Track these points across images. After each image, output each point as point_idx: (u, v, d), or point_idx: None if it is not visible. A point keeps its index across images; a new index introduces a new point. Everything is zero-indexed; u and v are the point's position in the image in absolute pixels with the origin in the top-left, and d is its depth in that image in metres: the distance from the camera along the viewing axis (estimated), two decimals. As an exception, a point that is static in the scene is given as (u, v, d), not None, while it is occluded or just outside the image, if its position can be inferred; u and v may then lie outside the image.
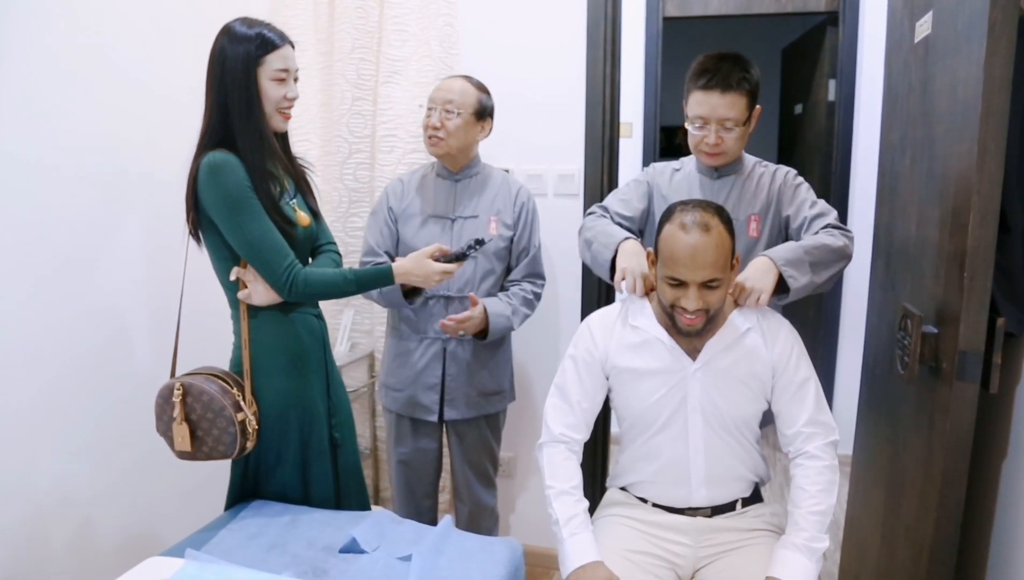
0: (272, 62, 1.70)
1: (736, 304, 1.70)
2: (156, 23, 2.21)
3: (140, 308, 2.21)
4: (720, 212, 1.58)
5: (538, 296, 2.25)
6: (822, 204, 1.95)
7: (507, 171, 2.44)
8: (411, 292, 2.14)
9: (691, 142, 1.95)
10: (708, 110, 1.87)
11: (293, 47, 1.76)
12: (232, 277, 1.74)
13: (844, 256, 1.84)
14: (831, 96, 3.69)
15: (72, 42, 1.94)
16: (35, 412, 1.89)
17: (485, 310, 2.11)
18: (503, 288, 2.24)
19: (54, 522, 1.95)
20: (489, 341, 2.16)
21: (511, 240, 2.21)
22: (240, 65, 1.67)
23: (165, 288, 2.22)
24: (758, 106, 1.93)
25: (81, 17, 1.96)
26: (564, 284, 2.57)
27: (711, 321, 1.59)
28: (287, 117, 1.78)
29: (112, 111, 2.07)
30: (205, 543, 1.63)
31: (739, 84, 1.85)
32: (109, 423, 2.10)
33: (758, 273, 1.72)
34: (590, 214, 2.08)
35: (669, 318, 1.61)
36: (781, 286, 1.75)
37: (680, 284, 1.54)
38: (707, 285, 1.53)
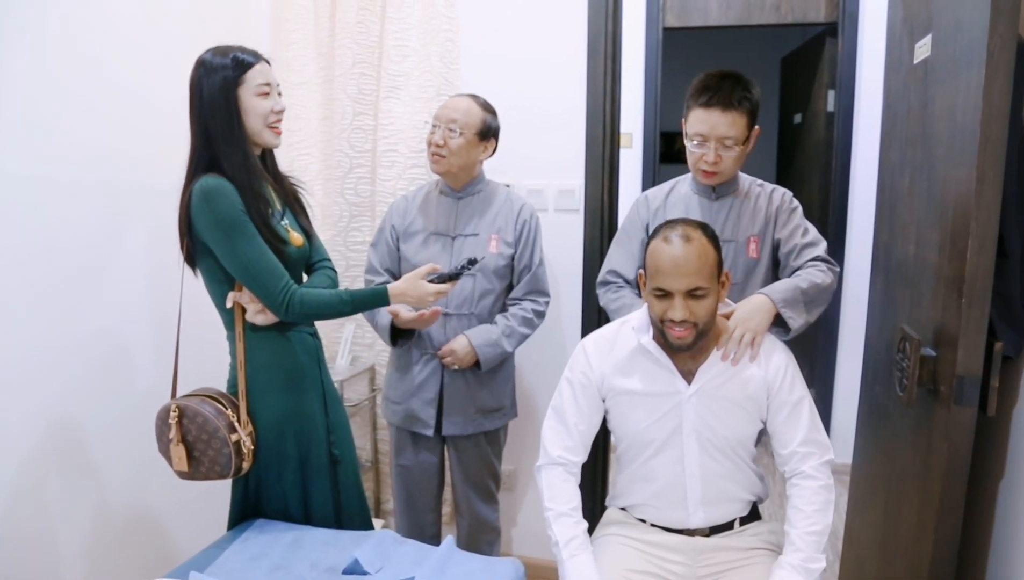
0: (253, 78, 1.72)
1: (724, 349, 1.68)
2: (156, 39, 2.22)
3: (143, 320, 2.22)
4: (704, 228, 1.61)
5: (540, 314, 2.25)
6: (813, 233, 1.98)
7: (507, 186, 2.45)
8: (403, 334, 2.18)
9: (690, 160, 1.97)
10: (708, 128, 1.88)
11: (269, 64, 1.78)
12: (228, 303, 1.75)
13: (831, 293, 1.90)
14: (830, 106, 3.70)
15: (69, 58, 1.95)
16: (39, 423, 1.90)
17: (471, 343, 2.13)
18: (504, 305, 2.25)
19: (58, 532, 1.96)
20: (486, 370, 2.19)
21: (512, 258, 2.21)
22: (217, 91, 1.69)
23: (168, 300, 2.21)
24: (757, 127, 1.94)
25: (78, 33, 1.97)
26: (562, 300, 2.57)
27: (701, 336, 1.59)
28: (278, 132, 1.79)
29: (112, 125, 2.08)
30: (208, 564, 1.64)
31: (740, 103, 1.87)
32: (113, 434, 2.11)
33: (754, 313, 1.71)
34: (606, 286, 2.09)
35: (661, 334, 1.62)
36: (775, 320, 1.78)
37: (666, 295, 1.56)
38: (692, 295, 1.55)
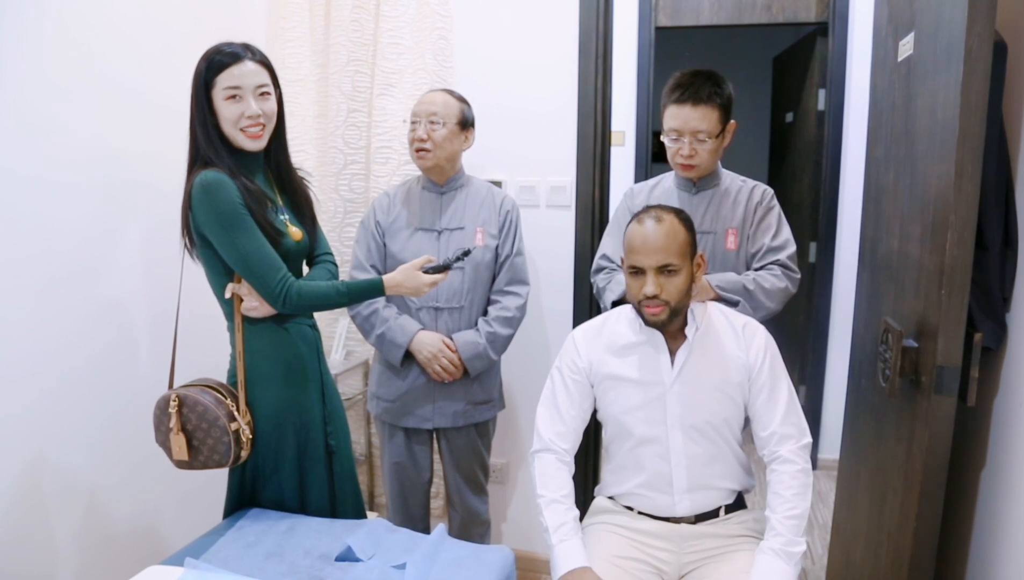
0: (222, 81, 1.71)
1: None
2: (152, 36, 2.24)
3: (141, 316, 2.23)
4: (677, 212, 1.70)
5: (521, 307, 2.26)
6: (784, 236, 2.03)
7: (499, 184, 2.48)
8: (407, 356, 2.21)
9: (668, 154, 2.04)
10: (681, 123, 1.96)
11: (256, 64, 1.74)
12: (227, 294, 1.78)
13: (784, 297, 1.99)
14: (821, 105, 3.73)
15: (67, 57, 1.96)
16: (37, 418, 1.92)
17: (461, 359, 2.18)
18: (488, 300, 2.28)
19: (55, 525, 1.98)
20: (473, 375, 2.23)
21: (496, 249, 2.25)
22: (196, 90, 1.72)
23: (165, 295, 2.23)
24: (732, 121, 2.00)
25: (75, 32, 1.99)
26: (554, 295, 2.60)
27: (675, 314, 1.66)
28: (253, 136, 1.74)
29: (109, 124, 2.10)
30: (204, 551, 1.66)
31: (710, 98, 1.94)
32: (110, 428, 2.13)
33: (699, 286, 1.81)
34: (600, 270, 2.16)
35: (639, 313, 1.69)
36: None
37: (639, 272, 1.65)
38: (663, 271, 1.63)
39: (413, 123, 2.17)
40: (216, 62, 1.71)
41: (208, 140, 1.72)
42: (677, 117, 1.97)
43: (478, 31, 2.58)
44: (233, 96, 1.71)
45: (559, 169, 2.54)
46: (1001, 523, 1.49)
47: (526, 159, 2.57)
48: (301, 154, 2.71)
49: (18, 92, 1.84)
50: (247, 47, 1.75)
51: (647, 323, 1.67)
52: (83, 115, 2.02)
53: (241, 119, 1.72)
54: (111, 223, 2.13)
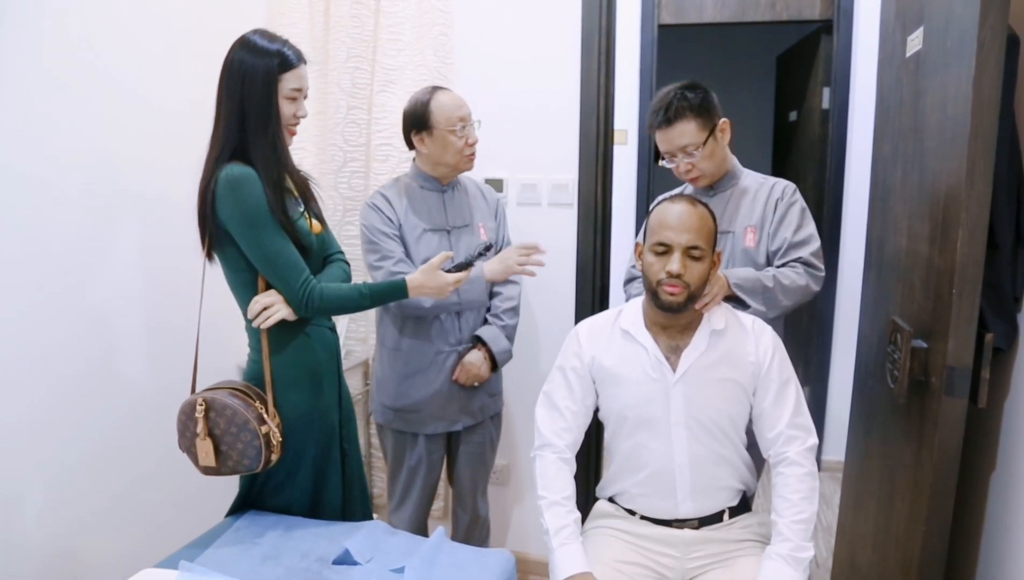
0: (288, 81, 1.71)
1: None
2: (154, 36, 2.21)
3: (137, 322, 2.20)
4: (706, 205, 1.70)
5: (520, 294, 2.28)
6: (806, 232, 2.00)
7: (500, 181, 2.47)
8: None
9: (675, 172, 2.06)
10: (666, 144, 2.00)
11: (306, 64, 1.78)
12: (251, 314, 1.72)
13: (804, 295, 1.94)
14: (825, 104, 3.70)
15: (67, 56, 1.94)
16: (30, 426, 1.89)
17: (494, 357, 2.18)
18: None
19: (48, 535, 1.95)
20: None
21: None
22: (261, 78, 1.67)
23: (162, 302, 2.22)
24: (724, 120, 1.98)
25: (76, 31, 1.97)
26: (555, 294, 2.57)
27: (691, 300, 1.64)
28: (293, 133, 1.79)
29: (109, 125, 2.07)
30: (199, 555, 1.63)
31: (679, 113, 1.94)
32: (105, 437, 2.09)
33: (713, 284, 1.77)
34: (633, 280, 2.16)
35: (653, 297, 1.66)
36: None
37: (666, 251, 1.63)
38: (690, 253, 1.62)
39: (464, 126, 2.11)
40: (287, 58, 1.70)
41: (267, 133, 1.69)
42: (662, 140, 2.00)
43: (479, 27, 2.55)
44: (295, 97, 1.74)
45: (561, 167, 2.52)
46: (1012, 527, 1.47)
47: (528, 157, 2.54)
48: (301, 152, 2.68)
49: (17, 90, 1.81)
50: (298, 49, 1.76)
51: (661, 306, 1.64)
52: (83, 114, 1.99)
53: (291, 119, 1.75)
54: (108, 226, 2.10)
